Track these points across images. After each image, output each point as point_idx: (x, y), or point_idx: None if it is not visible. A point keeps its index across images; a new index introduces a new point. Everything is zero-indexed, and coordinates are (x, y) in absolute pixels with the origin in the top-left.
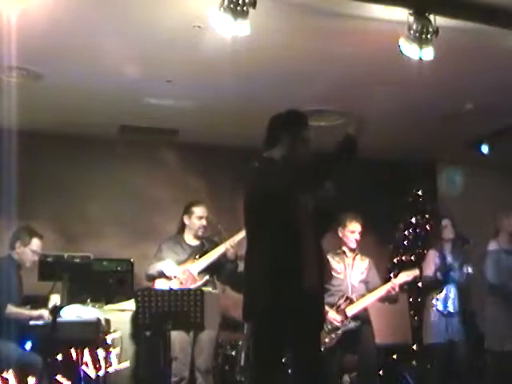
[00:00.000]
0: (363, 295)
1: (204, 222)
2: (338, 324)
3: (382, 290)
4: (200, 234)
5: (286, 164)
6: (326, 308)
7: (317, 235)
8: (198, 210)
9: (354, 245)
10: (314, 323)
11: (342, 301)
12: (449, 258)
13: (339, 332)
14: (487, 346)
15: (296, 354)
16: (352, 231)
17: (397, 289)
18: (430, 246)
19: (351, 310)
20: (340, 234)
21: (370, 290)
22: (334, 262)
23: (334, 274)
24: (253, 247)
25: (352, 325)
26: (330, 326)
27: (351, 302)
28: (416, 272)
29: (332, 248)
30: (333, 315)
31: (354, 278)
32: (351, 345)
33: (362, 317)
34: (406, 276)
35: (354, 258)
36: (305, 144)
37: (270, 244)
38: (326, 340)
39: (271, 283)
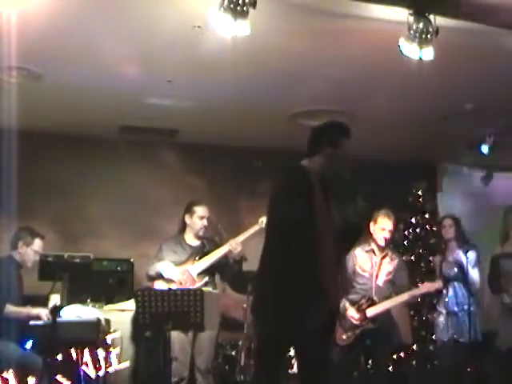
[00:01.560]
0: (388, 297)
1: (205, 221)
2: (356, 322)
3: (402, 298)
4: (201, 234)
5: (323, 174)
6: (347, 305)
7: (341, 247)
8: (200, 210)
9: (382, 243)
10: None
11: (363, 300)
12: (451, 257)
13: (357, 331)
14: (499, 345)
15: (303, 356)
16: (382, 228)
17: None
18: (435, 249)
19: (371, 312)
20: (371, 229)
21: (396, 292)
22: (362, 259)
23: (360, 272)
24: (274, 248)
25: (371, 325)
26: (348, 324)
27: (373, 302)
28: (440, 285)
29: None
30: (352, 313)
31: (379, 279)
32: (368, 345)
33: (383, 319)
34: (427, 288)
35: (383, 258)
36: (342, 157)
37: (291, 248)
38: (344, 337)
39: (285, 286)
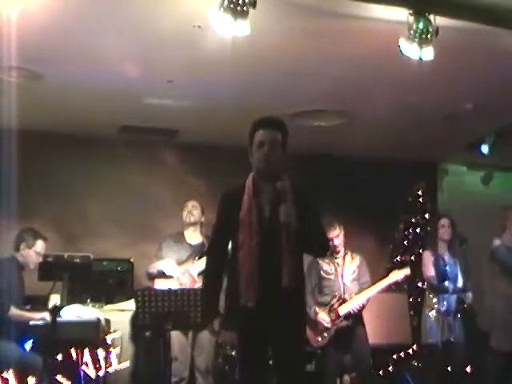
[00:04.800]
0: (357, 294)
1: (190, 208)
2: (327, 325)
3: (372, 290)
4: (187, 221)
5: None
6: (317, 309)
7: (285, 242)
8: (189, 204)
9: (336, 249)
10: (278, 324)
11: (334, 300)
12: (445, 258)
13: (331, 331)
14: (493, 346)
15: (276, 355)
16: (330, 239)
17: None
18: (425, 245)
19: (343, 310)
20: None
21: (362, 288)
22: (324, 263)
23: (324, 275)
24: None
25: (344, 323)
26: (321, 327)
27: (344, 301)
28: (407, 271)
29: None
30: (322, 316)
31: (346, 278)
32: (345, 344)
33: (355, 316)
34: (396, 276)
35: (344, 257)
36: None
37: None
38: (319, 339)
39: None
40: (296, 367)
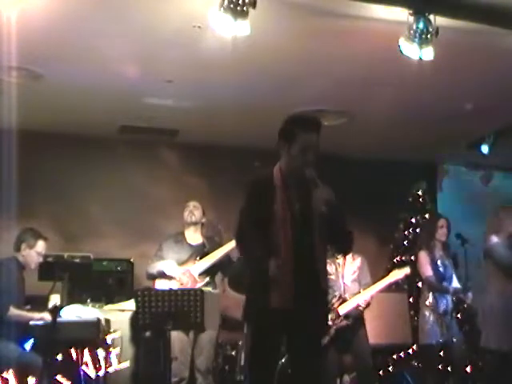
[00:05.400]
0: (357, 294)
1: (191, 208)
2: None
3: (373, 290)
4: (188, 220)
5: (284, 174)
6: None
7: (317, 239)
8: (190, 204)
9: None
10: (312, 325)
11: (334, 300)
12: (441, 259)
13: (331, 330)
14: (484, 345)
15: (295, 355)
16: None
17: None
18: (420, 245)
19: (343, 309)
20: None
21: (362, 289)
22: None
23: None
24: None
25: (344, 323)
26: None
27: (344, 301)
28: (407, 270)
29: None
30: None
31: (346, 278)
32: (346, 343)
33: (355, 315)
34: (397, 275)
35: (345, 258)
36: (300, 151)
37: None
38: None
39: (264, 286)
40: (316, 368)
